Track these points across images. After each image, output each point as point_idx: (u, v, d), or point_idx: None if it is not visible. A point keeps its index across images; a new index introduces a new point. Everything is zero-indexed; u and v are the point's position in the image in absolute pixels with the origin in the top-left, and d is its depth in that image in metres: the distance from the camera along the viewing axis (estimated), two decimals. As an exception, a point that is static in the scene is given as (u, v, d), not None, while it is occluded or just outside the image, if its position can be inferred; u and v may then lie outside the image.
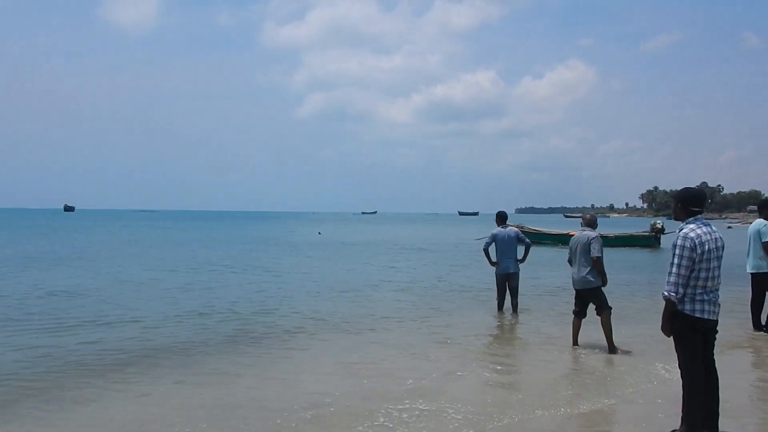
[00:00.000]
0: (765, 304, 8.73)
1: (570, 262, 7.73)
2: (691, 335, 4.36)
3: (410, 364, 6.92)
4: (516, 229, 10.54)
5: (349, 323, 9.46)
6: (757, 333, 8.60)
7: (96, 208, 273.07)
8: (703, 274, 4.32)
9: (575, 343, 7.74)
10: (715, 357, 4.55)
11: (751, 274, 8.71)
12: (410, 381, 6.13)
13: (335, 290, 13.44)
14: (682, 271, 4.29)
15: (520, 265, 10.26)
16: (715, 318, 4.41)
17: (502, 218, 10.44)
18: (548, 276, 16.21)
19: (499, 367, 6.91)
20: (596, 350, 7.50)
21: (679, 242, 4.33)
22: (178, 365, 6.93)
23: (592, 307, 7.63)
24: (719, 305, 4.46)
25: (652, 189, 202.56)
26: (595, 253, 7.39)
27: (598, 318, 7.55)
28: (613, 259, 7.23)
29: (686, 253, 4.28)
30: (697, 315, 4.33)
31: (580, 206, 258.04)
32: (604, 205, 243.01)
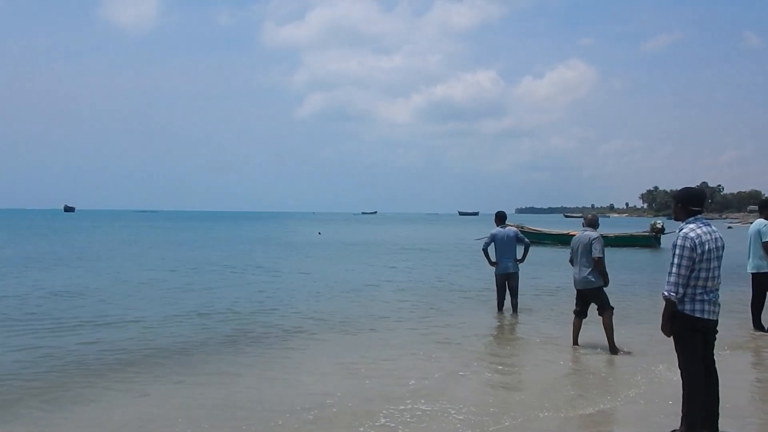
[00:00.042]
0: (766, 304, 8.74)
1: (571, 262, 7.74)
2: (691, 335, 4.36)
3: (411, 364, 6.92)
4: (515, 229, 10.55)
5: (350, 323, 9.46)
6: (758, 333, 8.60)
7: (96, 209, 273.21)
8: (703, 274, 4.32)
9: (575, 342, 7.74)
10: (715, 357, 4.55)
11: (752, 274, 8.71)
12: (412, 381, 6.13)
13: (335, 290, 13.45)
14: (682, 271, 4.28)
15: (520, 265, 10.27)
16: (715, 318, 4.41)
17: (501, 218, 10.45)
18: (548, 276, 16.21)
19: (500, 368, 6.92)
20: (597, 350, 7.50)
21: (679, 242, 4.33)
22: (178, 365, 6.93)
23: (593, 307, 7.63)
24: (719, 305, 4.46)
25: (652, 189, 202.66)
26: (596, 253, 7.39)
27: (599, 318, 7.56)
28: (613, 259, 7.24)
29: (686, 253, 4.28)
30: (697, 315, 4.33)
31: (580, 206, 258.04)
32: (605, 205, 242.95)
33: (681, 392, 4.42)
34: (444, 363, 6.96)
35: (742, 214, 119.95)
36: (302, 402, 5.44)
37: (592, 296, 7.55)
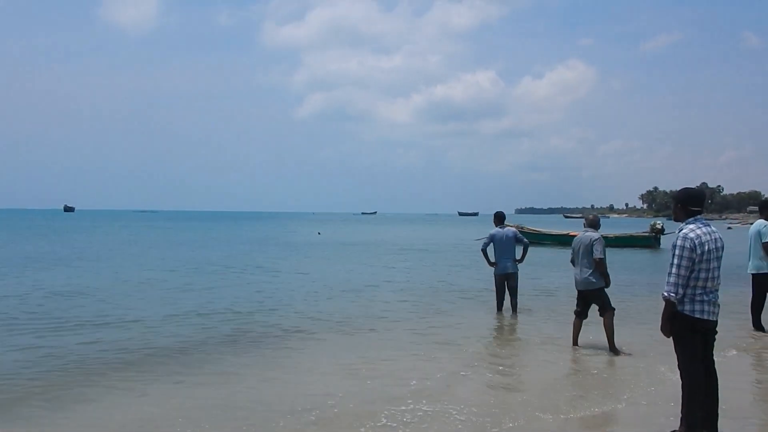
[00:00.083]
0: (766, 305, 8.74)
1: (573, 262, 7.74)
2: (691, 336, 4.36)
3: (411, 364, 6.92)
4: (514, 229, 10.56)
5: (349, 323, 9.47)
6: (758, 333, 8.61)
7: (96, 209, 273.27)
8: (702, 275, 4.32)
9: (575, 343, 7.74)
10: (714, 357, 4.56)
11: (752, 274, 8.71)
12: (414, 382, 6.12)
13: (335, 290, 13.45)
14: (682, 272, 4.29)
15: (519, 266, 10.28)
16: (714, 318, 4.42)
17: (500, 218, 10.46)
18: (548, 276, 16.22)
19: (500, 368, 6.92)
20: (597, 351, 7.50)
21: (678, 242, 4.33)
22: (178, 365, 6.93)
23: (593, 308, 7.64)
24: (719, 306, 4.47)
25: (651, 189, 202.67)
26: (597, 254, 7.39)
27: (600, 319, 7.56)
28: (612, 259, 7.25)
29: (686, 253, 4.28)
30: (697, 315, 4.33)
31: (579, 207, 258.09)
32: (604, 206, 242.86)
33: (680, 393, 4.42)
34: (444, 363, 6.96)
35: (742, 214, 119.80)
36: (303, 402, 5.44)
37: (593, 297, 7.56)
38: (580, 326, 7.77)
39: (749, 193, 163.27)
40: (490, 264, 10.29)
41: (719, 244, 4.44)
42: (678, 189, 4.68)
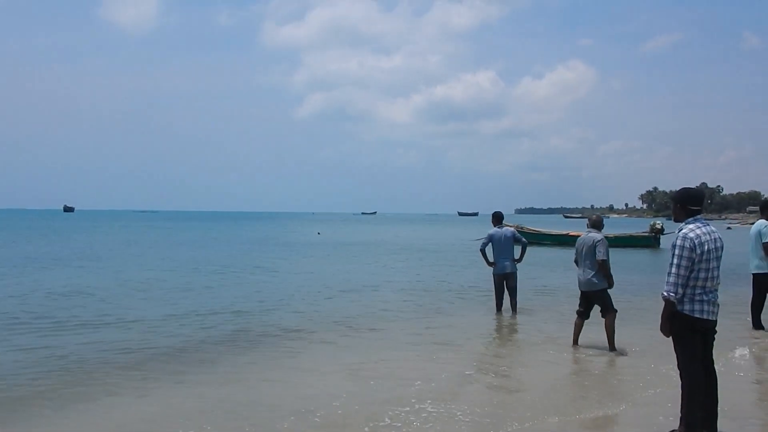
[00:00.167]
0: (766, 304, 8.75)
1: (576, 263, 7.75)
2: (691, 335, 4.37)
3: (413, 365, 6.91)
4: (512, 229, 10.59)
5: (350, 323, 9.47)
6: (758, 333, 8.62)
7: (96, 209, 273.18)
8: (702, 275, 4.33)
9: (575, 342, 7.75)
10: (714, 357, 4.56)
11: (753, 274, 8.73)
12: (418, 382, 6.10)
13: (335, 290, 13.46)
14: (682, 272, 4.29)
15: (518, 265, 10.28)
16: (714, 318, 4.42)
17: (498, 218, 10.48)
18: (547, 276, 16.23)
19: (502, 368, 6.93)
20: (597, 351, 7.50)
21: (678, 242, 4.33)
22: (178, 365, 6.94)
23: (595, 309, 7.64)
24: (718, 305, 4.47)
25: (651, 189, 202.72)
26: (600, 256, 7.39)
27: (600, 319, 7.57)
28: (612, 259, 7.21)
29: (686, 253, 4.29)
30: (697, 315, 4.33)
31: (579, 207, 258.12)
32: (604, 206, 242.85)
33: (680, 393, 4.42)
34: (446, 364, 6.96)
35: (742, 214, 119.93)
36: (306, 403, 5.42)
37: (595, 298, 7.56)
38: (582, 326, 7.77)
39: (749, 193, 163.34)
40: (489, 264, 10.30)
41: (719, 244, 4.44)
42: (677, 189, 4.68)
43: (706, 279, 4.33)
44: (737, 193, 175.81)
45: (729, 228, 55.67)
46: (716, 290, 4.44)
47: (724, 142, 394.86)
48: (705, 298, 4.34)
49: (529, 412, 5.22)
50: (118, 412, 5.29)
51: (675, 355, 4.49)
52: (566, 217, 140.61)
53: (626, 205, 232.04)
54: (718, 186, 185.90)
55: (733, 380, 6.06)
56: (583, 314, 7.73)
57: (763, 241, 8.39)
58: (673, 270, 4.30)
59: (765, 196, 51.98)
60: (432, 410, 5.25)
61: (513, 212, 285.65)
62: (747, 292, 9.21)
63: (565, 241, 28.78)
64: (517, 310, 10.20)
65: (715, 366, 4.55)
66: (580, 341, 7.75)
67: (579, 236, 7.98)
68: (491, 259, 10.24)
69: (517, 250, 10.30)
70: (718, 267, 4.44)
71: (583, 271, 7.55)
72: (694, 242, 4.30)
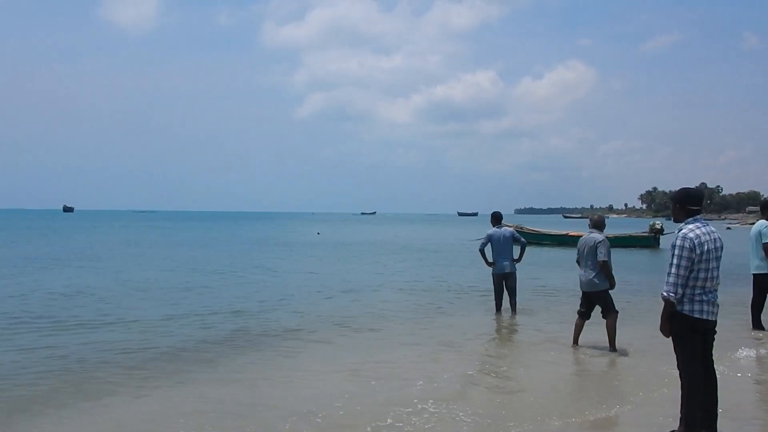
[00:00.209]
0: (766, 304, 8.75)
1: (578, 263, 7.74)
2: (690, 336, 4.37)
3: (415, 365, 6.90)
4: (511, 229, 10.59)
5: (350, 323, 9.47)
6: (758, 333, 8.62)
7: (95, 209, 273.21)
8: (702, 275, 4.33)
9: (575, 342, 7.75)
10: (715, 358, 4.56)
11: (753, 274, 8.73)
12: (420, 383, 6.09)
13: (335, 290, 13.46)
14: (681, 272, 4.29)
15: (517, 265, 10.28)
16: (714, 318, 4.42)
17: (497, 219, 10.49)
18: (547, 276, 16.23)
19: (503, 369, 6.93)
20: (597, 351, 7.50)
21: (678, 242, 4.33)
22: (178, 365, 6.93)
23: (596, 309, 7.64)
24: (718, 306, 4.47)
25: (651, 190, 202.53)
26: (601, 257, 7.39)
27: (601, 319, 7.57)
28: (612, 260, 7.25)
29: (685, 253, 4.29)
30: (696, 315, 4.33)
31: (579, 207, 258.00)
32: (604, 206, 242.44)
33: (680, 393, 4.43)
34: (447, 364, 6.95)
35: (741, 215, 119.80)
36: (308, 404, 5.42)
37: (597, 298, 7.56)
38: (582, 326, 7.77)
39: (748, 193, 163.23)
40: (488, 264, 10.30)
41: (718, 244, 4.44)
42: (677, 189, 4.68)
43: (705, 279, 4.34)
44: (737, 194, 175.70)
45: (729, 228, 55.67)
46: (716, 290, 4.44)
47: (724, 142, 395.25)
48: (705, 298, 4.35)
49: (530, 413, 5.23)
50: (118, 412, 5.29)
51: (675, 356, 4.50)
52: (566, 217, 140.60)
53: (626, 205, 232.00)
54: (718, 186, 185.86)
55: (733, 380, 6.07)
56: (584, 315, 7.72)
57: (764, 241, 8.39)
58: (673, 270, 4.31)
59: (765, 196, 51.83)
60: (434, 411, 5.24)
61: (513, 212, 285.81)
62: (747, 292, 9.21)
63: (565, 241, 28.79)
64: (517, 310, 10.20)
65: (717, 367, 4.55)
66: (580, 341, 7.75)
67: (579, 236, 7.97)
68: (490, 260, 10.24)
69: (516, 250, 10.31)
70: (718, 267, 4.44)
71: (585, 272, 7.55)
72: (693, 242, 4.30)
